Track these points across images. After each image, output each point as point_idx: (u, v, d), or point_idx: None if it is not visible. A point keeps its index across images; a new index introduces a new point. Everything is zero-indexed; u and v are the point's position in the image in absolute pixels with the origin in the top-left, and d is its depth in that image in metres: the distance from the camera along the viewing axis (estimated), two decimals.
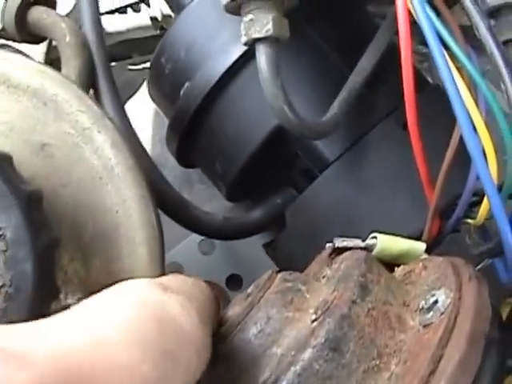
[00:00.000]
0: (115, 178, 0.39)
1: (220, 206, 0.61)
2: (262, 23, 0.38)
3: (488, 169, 0.37)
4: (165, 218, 0.50)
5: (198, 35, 0.49)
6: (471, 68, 0.38)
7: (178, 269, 0.59)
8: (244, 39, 0.39)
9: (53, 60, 0.62)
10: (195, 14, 0.50)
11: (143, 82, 0.78)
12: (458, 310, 0.31)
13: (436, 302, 0.32)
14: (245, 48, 0.45)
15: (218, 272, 0.59)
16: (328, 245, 0.40)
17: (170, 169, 0.69)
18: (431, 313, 0.32)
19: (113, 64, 0.79)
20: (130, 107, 0.78)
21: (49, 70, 0.40)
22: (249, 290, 0.37)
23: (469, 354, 0.29)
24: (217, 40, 0.48)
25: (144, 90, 0.77)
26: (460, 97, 0.36)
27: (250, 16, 0.38)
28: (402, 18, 0.36)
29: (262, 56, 0.38)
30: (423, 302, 0.33)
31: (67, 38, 0.48)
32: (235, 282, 0.59)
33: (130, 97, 0.78)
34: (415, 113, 0.39)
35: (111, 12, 0.78)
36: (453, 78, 0.36)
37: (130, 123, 0.49)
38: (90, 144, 0.39)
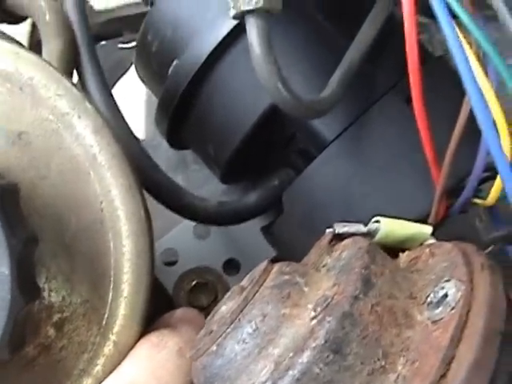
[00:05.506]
0: (98, 166, 0.36)
1: (217, 186, 0.59)
2: None
3: (500, 144, 0.34)
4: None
5: (185, 10, 0.46)
6: (480, 36, 0.35)
7: (173, 255, 0.56)
8: (232, 12, 0.36)
9: (38, 41, 0.59)
10: None
11: None
12: (470, 304, 0.28)
13: (445, 295, 0.30)
14: (234, 22, 0.42)
15: (215, 257, 0.56)
16: (328, 230, 0.38)
17: (165, 150, 0.66)
18: (440, 308, 0.29)
19: (103, 43, 0.76)
20: (122, 87, 0.75)
21: (23, 52, 0.37)
22: (243, 283, 0.35)
23: (483, 354, 0.26)
24: (205, 14, 0.45)
25: None
26: (469, 66, 0.33)
27: None
28: None
29: (253, 30, 0.35)
30: (432, 295, 0.30)
31: (47, 17, 0.45)
32: (233, 266, 0.57)
33: (121, 76, 0.76)
34: (420, 87, 0.36)
35: None
36: (461, 46, 0.33)
37: (116, 105, 0.47)
38: (70, 131, 0.36)
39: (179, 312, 0.41)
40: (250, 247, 0.56)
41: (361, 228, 0.38)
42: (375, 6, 0.45)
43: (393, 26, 0.48)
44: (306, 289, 0.32)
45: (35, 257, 0.34)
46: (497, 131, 0.35)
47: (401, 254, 0.37)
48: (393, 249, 0.37)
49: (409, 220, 0.38)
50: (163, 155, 0.67)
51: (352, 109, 0.45)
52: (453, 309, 0.29)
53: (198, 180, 0.64)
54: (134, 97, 0.75)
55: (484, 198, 0.42)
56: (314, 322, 0.29)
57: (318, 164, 0.44)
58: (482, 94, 0.34)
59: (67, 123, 0.36)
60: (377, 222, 0.38)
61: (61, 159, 0.36)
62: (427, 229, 0.38)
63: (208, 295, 0.55)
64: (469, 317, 0.28)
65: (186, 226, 0.57)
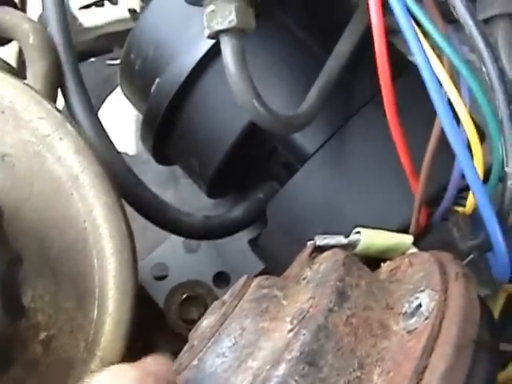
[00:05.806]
0: (81, 186, 0.37)
1: (208, 199, 0.59)
2: (224, 14, 0.36)
3: (474, 166, 0.35)
4: None
5: (166, 29, 0.47)
6: (451, 53, 0.35)
7: (163, 270, 0.57)
8: (207, 32, 0.37)
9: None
10: (162, 8, 0.47)
11: None
12: (444, 313, 0.29)
13: (419, 305, 0.30)
14: (212, 42, 0.43)
15: (205, 270, 0.57)
16: (309, 243, 0.39)
17: (154, 164, 0.67)
18: (415, 318, 0.30)
19: (92, 60, 0.77)
20: (113, 102, 0.76)
21: (4, 76, 0.38)
22: (225, 298, 0.35)
23: (455, 363, 0.27)
24: (185, 34, 0.45)
25: None
26: (439, 86, 0.34)
27: (212, 7, 0.36)
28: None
29: (227, 49, 0.36)
30: (407, 305, 0.31)
31: (30, 39, 0.46)
32: (222, 279, 0.57)
33: (111, 92, 0.76)
34: (393, 101, 0.37)
35: (88, 6, 0.76)
36: (430, 65, 0.34)
37: (100, 123, 0.47)
38: (51, 152, 0.37)
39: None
40: (239, 260, 0.57)
41: (341, 240, 0.38)
42: (354, 17, 0.46)
43: (372, 37, 0.48)
44: (284, 302, 0.32)
45: (20, 277, 0.35)
46: (470, 149, 0.36)
47: (382, 265, 0.37)
48: (376, 259, 0.38)
49: (390, 230, 0.39)
50: (154, 169, 0.68)
51: (332, 120, 0.45)
52: (426, 318, 0.29)
53: (189, 193, 0.65)
54: (125, 112, 0.75)
55: (465, 206, 0.42)
56: (291, 334, 0.29)
57: (299, 177, 0.45)
58: (453, 113, 0.34)
59: (49, 145, 0.37)
60: (358, 233, 0.38)
61: (43, 181, 0.37)
62: (408, 238, 0.39)
63: (199, 308, 0.55)
64: (442, 326, 0.28)
65: (175, 241, 0.57)
